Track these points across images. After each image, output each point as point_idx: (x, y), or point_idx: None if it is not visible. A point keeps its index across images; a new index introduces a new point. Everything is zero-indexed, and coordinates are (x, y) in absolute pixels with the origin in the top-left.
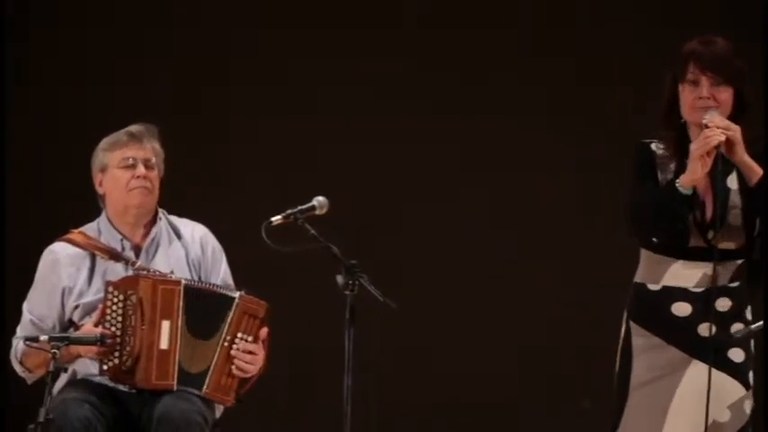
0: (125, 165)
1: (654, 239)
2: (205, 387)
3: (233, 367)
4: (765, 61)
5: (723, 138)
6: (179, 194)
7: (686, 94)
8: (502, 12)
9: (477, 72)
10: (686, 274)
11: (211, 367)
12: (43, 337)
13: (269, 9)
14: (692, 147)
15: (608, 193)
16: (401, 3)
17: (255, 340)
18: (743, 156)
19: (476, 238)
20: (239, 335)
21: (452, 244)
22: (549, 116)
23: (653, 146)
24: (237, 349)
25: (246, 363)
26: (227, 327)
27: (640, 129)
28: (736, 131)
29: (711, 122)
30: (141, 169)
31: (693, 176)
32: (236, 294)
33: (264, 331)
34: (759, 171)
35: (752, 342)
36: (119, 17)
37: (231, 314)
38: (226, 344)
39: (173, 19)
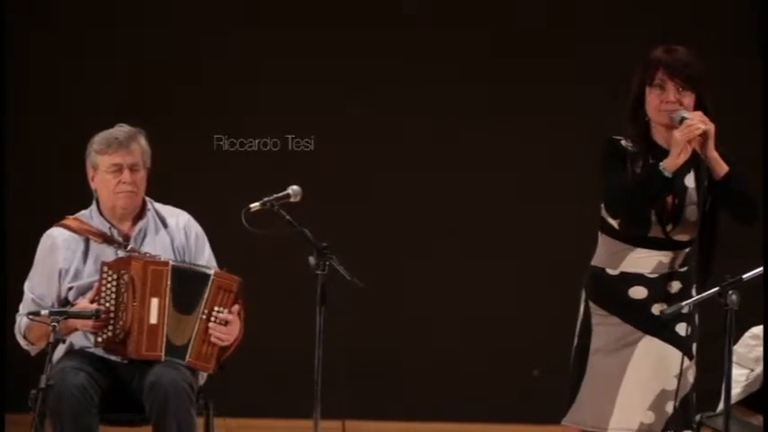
0: (112, 170)
1: (632, 220)
2: (188, 356)
3: (211, 337)
4: (765, 62)
5: (704, 128)
6: (170, 183)
7: (653, 97)
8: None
9: (471, 72)
10: (643, 262)
11: (192, 338)
12: (44, 312)
13: (269, 9)
14: (676, 133)
15: (560, 188)
16: (401, 3)
17: (230, 312)
18: (713, 150)
19: (440, 214)
20: (216, 308)
21: (421, 223)
22: (549, 115)
23: (623, 142)
24: (215, 321)
25: (223, 333)
26: (204, 301)
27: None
28: (711, 127)
29: (692, 116)
30: (126, 176)
31: (677, 160)
32: (212, 271)
33: (238, 304)
34: (725, 166)
35: (696, 316)
36: (118, 16)
37: (207, 290)
38: (204, 317)
39: (172, 18)
